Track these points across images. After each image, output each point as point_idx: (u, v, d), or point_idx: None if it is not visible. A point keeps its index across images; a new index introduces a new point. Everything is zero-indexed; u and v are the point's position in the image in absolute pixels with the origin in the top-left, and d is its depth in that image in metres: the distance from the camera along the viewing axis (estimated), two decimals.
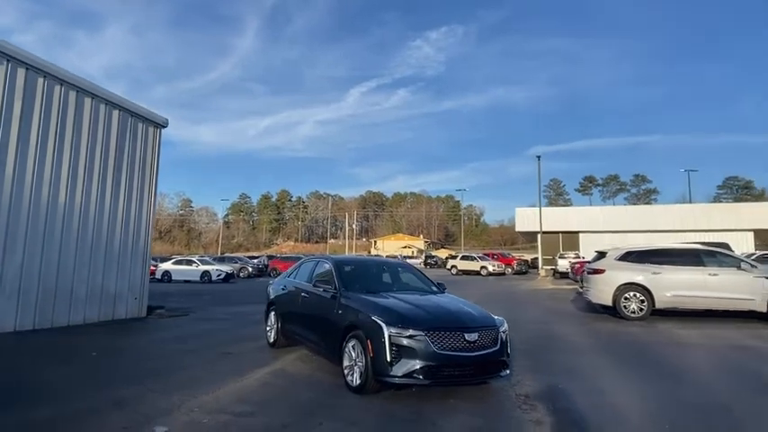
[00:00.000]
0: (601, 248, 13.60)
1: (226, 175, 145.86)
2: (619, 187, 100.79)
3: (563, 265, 30.57)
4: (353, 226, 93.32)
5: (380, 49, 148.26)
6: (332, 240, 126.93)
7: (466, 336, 4.85)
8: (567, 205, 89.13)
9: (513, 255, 43.93)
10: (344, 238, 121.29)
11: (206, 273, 27.23)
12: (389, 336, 4.75)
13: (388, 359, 4.70)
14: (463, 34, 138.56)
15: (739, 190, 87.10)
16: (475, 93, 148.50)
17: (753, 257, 15.80)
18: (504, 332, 5.21)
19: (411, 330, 4.77)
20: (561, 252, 32.14)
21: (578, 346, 8.01)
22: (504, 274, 34.59)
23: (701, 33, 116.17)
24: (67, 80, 9.22)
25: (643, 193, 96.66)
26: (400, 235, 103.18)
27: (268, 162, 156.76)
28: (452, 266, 36.89)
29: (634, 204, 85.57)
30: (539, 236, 35.78)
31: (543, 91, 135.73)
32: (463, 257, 37.29)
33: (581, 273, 23.68)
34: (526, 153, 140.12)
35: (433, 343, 4.72)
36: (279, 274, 33.79)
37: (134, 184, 10.60)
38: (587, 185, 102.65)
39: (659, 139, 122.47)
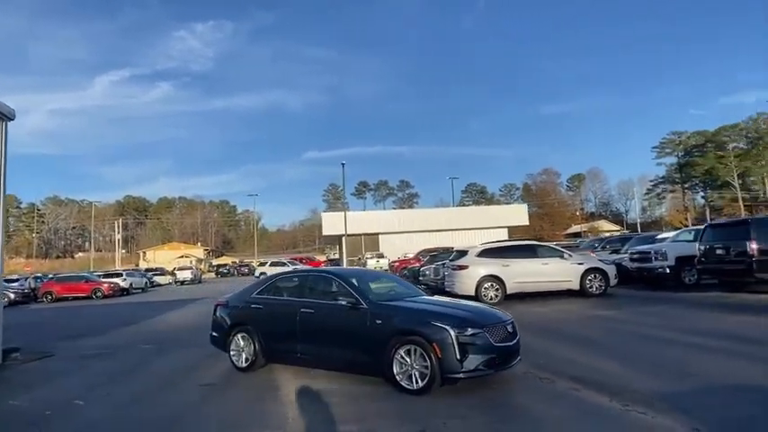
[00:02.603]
0: (460, 247, 15.88)
1: None
2: (388, 192, 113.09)
3: (372, 264, 33.35)
4: (118, 236, 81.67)
5: (135, 35, 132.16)
6: (80, 254, 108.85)
7: (507, 328, 5.73)
8: (345, 209, 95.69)
9: (318, 258, 45.53)
10: (95, 249, 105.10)
11: None
12: (456, 336, 5.28)
13: (458, 357, 5.23)
14: (233, 31, 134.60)
15: (477, 194, 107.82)
16: (247, 93, 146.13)
17: None
18: None
19: (470, 329, 5.39)
20: (369, 253, 34.99)
21: None
22: None
23: (448, 57, 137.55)
24: None
25: (407, 197, 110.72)
26: (174, 243, 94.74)
27: None
28: (261, 273, 36.32)
29: (401, 207, 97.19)
30: (343, 238, 38.11)
31: (316, 97, 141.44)
32: (273, 263, 37.10)
33: (400, 270, 26.56)
34: (301, 157, 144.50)
35: (491, 337, 5.45)
36: (56, 299, 28.09)
37: None
38: (362, 190, 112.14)
39: (417, 149, 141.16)
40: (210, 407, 5.35)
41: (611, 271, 13.57)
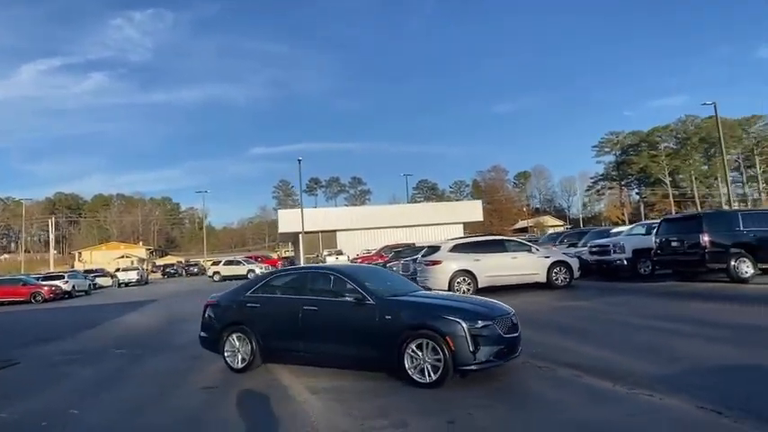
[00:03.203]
0: (432, 242, 16.09)
1: None
2: (340, 188, 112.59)
3: (330, 261, 33.14)
4: (52, 236, 76.82)
5: (66, 21, 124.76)
6: (6, 255, 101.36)
7: (512, 319, 5.91)
8: (297, 206, 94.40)
9: (272, 256, 44.78)
10: (24, 250, 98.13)
11: None
12: (469, 329, 5.39)
13: (471, 349, 5.34)
14: (174, 22, 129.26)
15: (428, 191, 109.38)
16: (189, 86, 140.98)
17: None
18: None
19: (481, 322, 5.51)
20: (327, 250, 34.75)
21: None
22: None
23: (397, 54, 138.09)
24: None
25: (359, 194, 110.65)
26: (114, 243, 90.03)
27: None
28: (215, 273, 35.27)
29: (354, 204, 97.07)
30: (300, 236, 37.65)
31: (262, 92, 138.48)
32: (227, 263, 36.07)
33: None
34: (247, 154, 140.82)
35: (500, 329, 5.60)
36: None
37: None
38: (313, 186, 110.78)
39: (368, 146, 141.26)
40: (222, 411, 5.16)
41: (575, 264, 14.21)
